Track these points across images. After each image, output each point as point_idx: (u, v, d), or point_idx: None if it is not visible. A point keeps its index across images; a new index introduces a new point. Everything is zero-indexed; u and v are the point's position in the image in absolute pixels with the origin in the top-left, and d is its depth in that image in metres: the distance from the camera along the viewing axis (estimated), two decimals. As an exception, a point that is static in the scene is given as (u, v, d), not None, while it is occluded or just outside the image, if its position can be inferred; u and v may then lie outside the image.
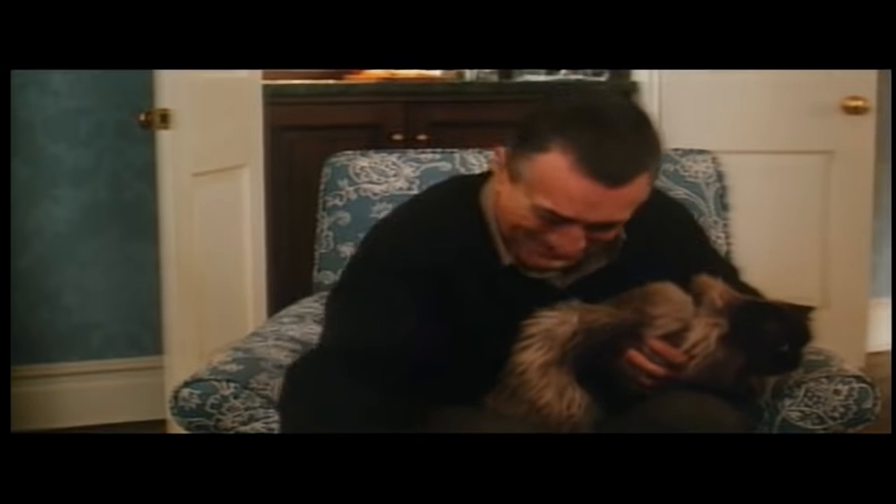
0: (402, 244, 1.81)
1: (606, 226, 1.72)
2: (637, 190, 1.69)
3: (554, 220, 1.69)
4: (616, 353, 1.77)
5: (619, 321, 1.77)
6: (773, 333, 1.76)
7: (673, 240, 1.90)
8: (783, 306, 1.79)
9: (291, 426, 1.71)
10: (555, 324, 1.76)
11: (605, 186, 1.64)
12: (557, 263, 1.79)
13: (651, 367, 1.75)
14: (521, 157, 1.71)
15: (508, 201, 1.75)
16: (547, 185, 1.67)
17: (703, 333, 1.75)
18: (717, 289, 1.80)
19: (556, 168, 1.65)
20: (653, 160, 1.71)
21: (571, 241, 1.71)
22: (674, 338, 1.76)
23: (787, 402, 1.86)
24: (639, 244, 1.82)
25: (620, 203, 1.68)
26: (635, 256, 1.81)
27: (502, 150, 1.77)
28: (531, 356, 1.76)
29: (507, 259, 1.80)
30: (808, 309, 1.80)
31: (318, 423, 1.64)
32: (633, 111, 1.76)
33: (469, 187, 1.89)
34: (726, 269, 1.98)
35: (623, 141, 1.67)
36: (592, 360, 1.77)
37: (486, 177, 1.88)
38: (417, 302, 1.73)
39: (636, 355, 1.75)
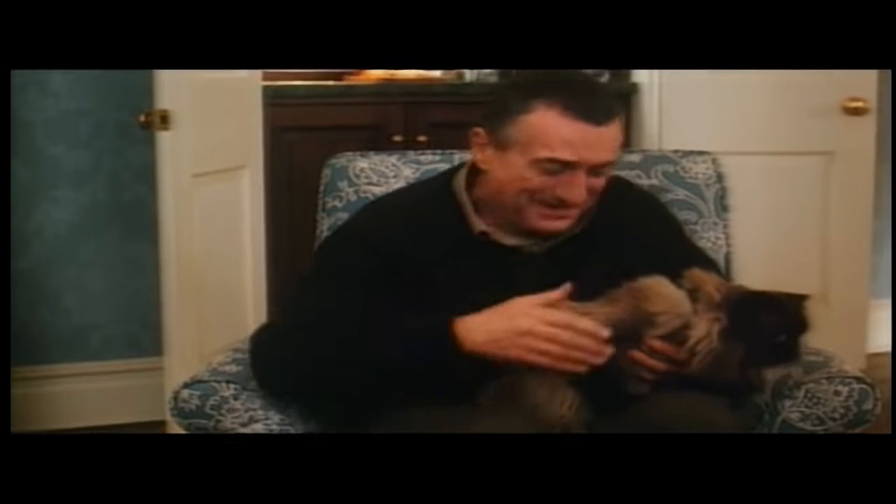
0: (371, 220, 1.94)
1: (600, 168, 1.83)
2: (617, 131, 1.83)
3: (555, 168, 1.80)
4: (616, 352, 1.76)
5: (618, 321, 1.77)
6: (770, 324, 1.77)
7: (643, 217, 2.01)
8: (779, 296, 1.80)
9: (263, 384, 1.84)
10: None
11: (593, 125, 1.79)
12: (562, 223, 1.86)
13: (652, 363, 1.75)
14: (507, 123, 1.83)
15: (503, 171, 1.85)
16: (542, 136, 1.79)
17: (706, 330, 1.75)
18: (711, 282, 1.81)
19: (546, 119, 1.79)
20: (620, 108, 1.86)
21: (576, 188, 1.81)
22: (676, 335, 1.76)
23: (788, 402, 1.86)
24: (609, 215, 1.92)
25: (608, 142, 1.82)
26: (605, 227, 1.91)
27: (480, 129, 1.89)
28: None
29: (478, 227, 1.89)
30: (803, 297, 1.80)
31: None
32: (585, 75, 2.01)
33: (440, 176, 2.03)
34: (702, 258, 2.01)
35: (594, 90, 1.88)
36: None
37: (456, 168, 2.01)
38: (383, 274, 1.83)
39: (637, 353, 1.76)
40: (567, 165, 1.80)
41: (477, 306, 1.76)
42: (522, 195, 1.84)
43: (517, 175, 1.83)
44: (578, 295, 1.77)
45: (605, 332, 1.71)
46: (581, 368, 1.71)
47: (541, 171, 1.81)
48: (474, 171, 1.96)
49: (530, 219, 1.86)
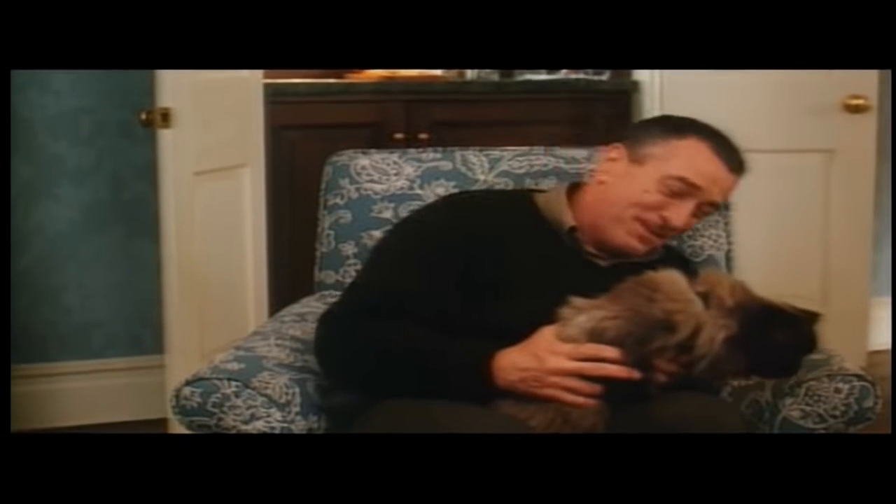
0: (447, 211, 2.02)
1: (710, 206, 2.00)
2: (736, 186, 2.02)
3: (679, 189, 1.94)
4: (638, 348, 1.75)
5: (633, 323, 1.75)
6: (781, 341, 1.76)
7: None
8: (793, 312, 1.78)
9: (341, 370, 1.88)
10: (582, 323, 1.77)
11: (728, 170, 1.98)
12: (647, 246, 1.97)
13: (669, 367, 1.76)
14: (655, 143, 1.98)
15: (624, 183, 1.97)
16: (686, 159, 1.95)
17: (711, 335, 1.74)
18: (725, 285, 1.79)
19: (696, 148, 1.97)
20: (747, 167, 2.02)
21: (684, 214, 1.95)
22: (686, 338, 1.75)
23: (788, 400, 1.86)
24: (674, 257, 2.05)
25: (728, 189, 2.02)
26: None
27: (620, 145, 2.03)
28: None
29: (569, 222, 1.99)
30: (816, 316, 1.80)
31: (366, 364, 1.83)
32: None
33: (517, 189, 2.20)
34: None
35: (737, 145, 2.02)
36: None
37: (531, 190, 2.14)
38: (456, 266, 1.89)
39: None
40: (690, 190, 1.94)
41: (536, 301, 1.81)
42: (631, 208, 1.95)
43: (639, 188, 1.96)
44: None
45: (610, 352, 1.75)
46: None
47: (663, 189, 1.94)
48: (574, 189, 2.07)
49: (622, 233, 1.97)
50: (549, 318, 1.79)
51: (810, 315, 1.79)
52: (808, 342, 1.79)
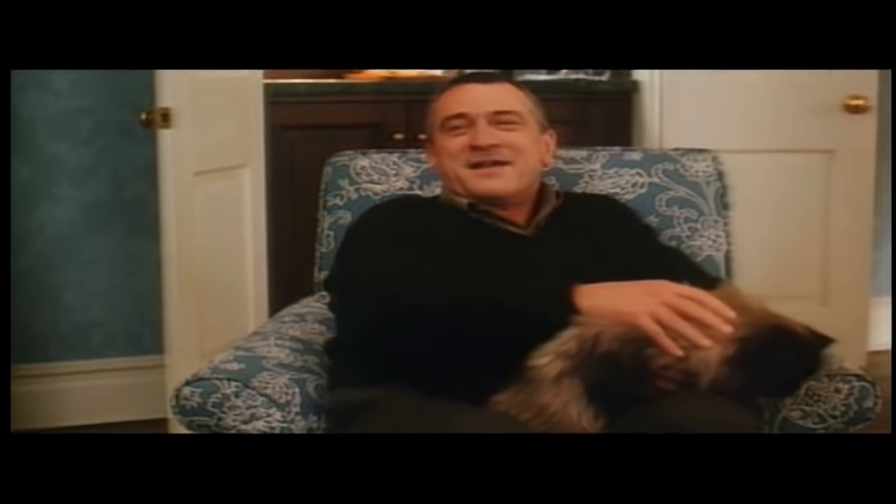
0: (385, 214, 2.09)
1: (497, 116, 2.07)
2: (509, 89, 2.12)
3: (458, 122, 2.08)
4: (634, 360, 1.74)
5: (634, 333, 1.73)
6: (785, 363, 1.71)
7: (620, 216, 2.18)
8: (802, 333, 1.71)
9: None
10: (574, 335, 1.75)
11: (479, 83, 2.12)
12: (498, 181, 2.05)
13: (667, 383, 1.74)
14: (427, 122, 2.17)
15: (438, 158, 2.12)
16: (441, 106, 2.13)
17: (707, 357, 1.68)
18: (738, 301, 1.74)
19: (442, 96, 2.15)
20: (515, 83, 2.16)
21: (480, 132, 2.05)
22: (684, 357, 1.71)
23: (788, 401, 1.86)
24: (585, 207, 2.15)
25: (498, 94, 2.10)
26: (574, 205, 2.14)
27: (426, 146, 2.19)
28: (547, 364, 1.75)
29: (464, 201, 2.07)
30: (826, 339, 1.73)
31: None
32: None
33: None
34: (681, 264, 2.08)
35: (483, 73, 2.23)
36: (608, 368, 1.74)
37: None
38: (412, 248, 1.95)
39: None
40: (465, 118, 2.07)
41: (483, 279, 1.89)
42: (455, 163, 2.07)
43: (442, 148, 2.10)
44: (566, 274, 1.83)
45: (731, 313, 1.69)
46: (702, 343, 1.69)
47: (452, 134, 2.08)
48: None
49: (472, 183, 2.06)
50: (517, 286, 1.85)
51: (820, 338, 1.73)
52: (814, 365, 1.74)
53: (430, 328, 1.78)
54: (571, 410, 1.74)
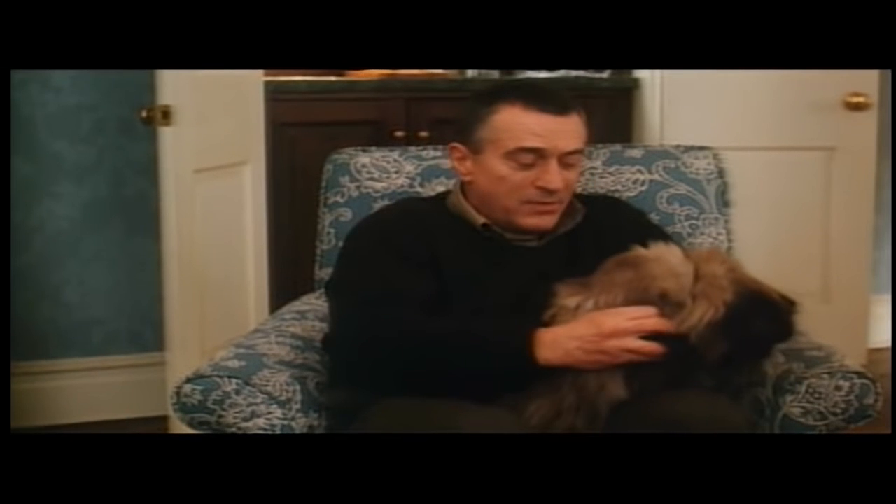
0: (387, 222, 2.04)
1: (569, 156, 1.95)
2: (579, 122, 1.97)
3: (528, 158, 1.93)
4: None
5: (640, 300, 1.79)
6: (761, 329, 1.79)
7: (628, 220, 2.12)
8: (776, 299, 1.80)
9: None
10: (579, 302, 1.80)
11: (553, 115, 1.94)
12: (549, 218, 1.99)
13: (648, 349, 1.77)
14: (477, 129, 1.97)
15: (485, 176, 1.98)
16: (509, 130, 1.94)
17: (701, 312, 1.76)
18: (720, 263, 1.82)
19: (510, 115, 1.95)
20: (577, 104, 1.99)
21: (552, 175, 1.93)
22: (673, 307, 1.77)
23: (789, 398, 1.86)
24: (596, 214, 2.06)
25: (571, 130, 1.96)
26: (594, 224, 2.04)
27: (457, 144, 2.02)
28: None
29: (480, 219, 2.00)
30: (795, 304, 1.82)
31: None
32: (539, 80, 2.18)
33: (432, 197, 2.19)
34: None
35: (549, 87, 2.03)
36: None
37: (443, 194, 2.13)
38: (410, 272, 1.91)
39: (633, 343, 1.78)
40: (537, 154, 1.93)
41: (486, 297, 1.87)
42: (510, 197, 1.96)
43: (497, 175, 1.96)
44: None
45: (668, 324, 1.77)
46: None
47: (516, 166, 1.94)
48: (464, 187, 2.06)
49: (521, 217, 1.98)
50: (516, 306, 1.84)
51: (790, 303, 1.81)
52: (787, 331, 1.82)
53: (397, 356, 1.81)
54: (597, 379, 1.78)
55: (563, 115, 1.95)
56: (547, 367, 1.76)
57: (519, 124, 1.94)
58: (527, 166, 1.94)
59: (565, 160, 1.95)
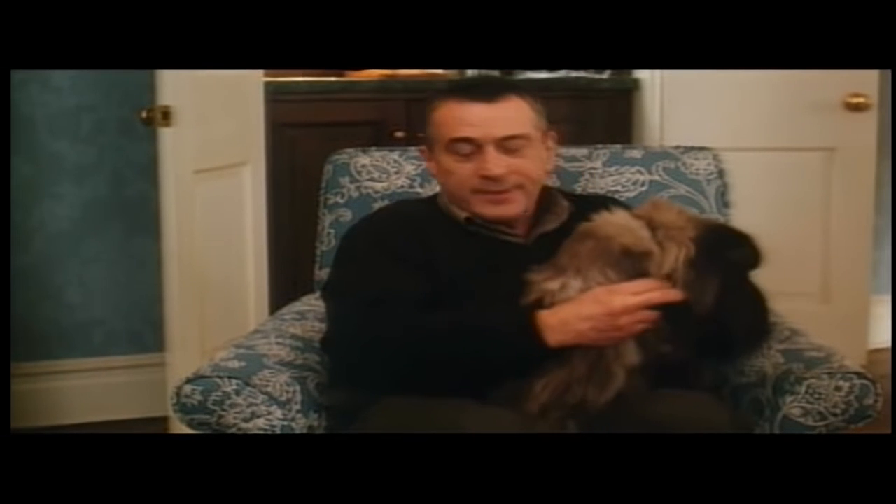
0: (381, 224, 2.07)
1: (506, 142, 1.97)
2: (517, 108, 2.00)
3: (465, 148, 1.98)
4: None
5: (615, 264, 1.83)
6: (736, 256, 1.84)
7: None
8: (735, 228, 1.89)
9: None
10: (563, 282, 1.84)
11: (484, 103, 1.98)
12: (508, 207, 2.00)
13: (644, 315, 1.80)
14: (426, 127, 2.06)
15: (442, 173, 2.04)
16: (445, 123, 2.01)
17: (674, 256, 1.81)
18: (668, 210, 1.89)
19: (446, 109, 2.02)
20: (520, 92, 2.03)
21: (490, 162, 1.96)
22: (640, 257, 1.82)
23: (789, 398, 1.86)
24: (584, 212, 2.01)
25: (506, 116, 1.99)
26: (577, 211, 2.05)
27: (423, 147, 2.10)
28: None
29: (462, 214, 2.03)
30: (749, 235, 1.88)
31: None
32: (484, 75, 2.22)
33: (426, 198, 2.23)
34: None
35: (484, 79, 2.14)
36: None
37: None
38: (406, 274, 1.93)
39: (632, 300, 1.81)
40: (472, 143, 1.98)
41: (477, 295, 1.88)
42: (461, 188, 2.00)
43: (445, 169, 2.02)
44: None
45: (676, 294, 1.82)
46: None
47: (458, 157, 1.99)
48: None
49: (479, 207, 2.01)
50: (510, 298, 1.85)
51: (746, 234, 1.87)
52: (758, 255, 1.86)
53: (400, 354, 1.82)
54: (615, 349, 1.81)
55: (493, 101, 1.98)
56: (558, 349, 1.78)
57: (451, 117, 2.00)
58: (467, 156, 1.98)
59: (505, 146, 1.97)
